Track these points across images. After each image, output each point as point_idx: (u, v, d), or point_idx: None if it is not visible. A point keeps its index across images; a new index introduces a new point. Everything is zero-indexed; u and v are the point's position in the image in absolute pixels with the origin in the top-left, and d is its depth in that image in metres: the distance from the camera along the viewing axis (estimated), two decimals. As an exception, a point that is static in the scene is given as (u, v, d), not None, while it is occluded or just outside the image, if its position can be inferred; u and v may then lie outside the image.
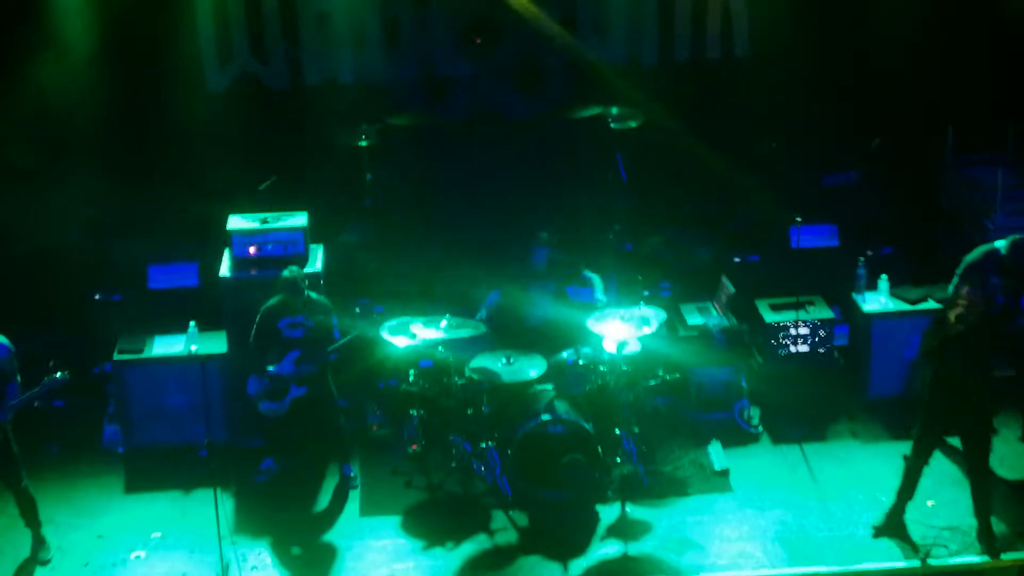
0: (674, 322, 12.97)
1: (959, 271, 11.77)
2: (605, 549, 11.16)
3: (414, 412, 12.10)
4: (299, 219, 12.56)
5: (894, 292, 12.98)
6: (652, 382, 12.09)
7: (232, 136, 13.76)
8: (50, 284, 13.33)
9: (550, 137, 14.23)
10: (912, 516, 11.26)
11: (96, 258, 13.58)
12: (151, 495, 11.98)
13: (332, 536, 11.44)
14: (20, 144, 13.19)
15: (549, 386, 11.88)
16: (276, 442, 12.03)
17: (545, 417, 11.49)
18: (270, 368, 11.61)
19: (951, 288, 11.81)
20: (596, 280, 12.72)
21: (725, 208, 14.25)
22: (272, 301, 11.68)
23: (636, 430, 11.94)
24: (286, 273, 11.60)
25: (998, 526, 11.15)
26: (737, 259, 14.05)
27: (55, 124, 13.40)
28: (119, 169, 13.56)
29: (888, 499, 11.38)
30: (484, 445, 11.74)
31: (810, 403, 12.68)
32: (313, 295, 11.73)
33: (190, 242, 13.45)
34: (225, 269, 12.46)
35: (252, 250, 12.38)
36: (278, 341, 11.62)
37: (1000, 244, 11.63)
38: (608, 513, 11.51)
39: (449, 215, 14.12)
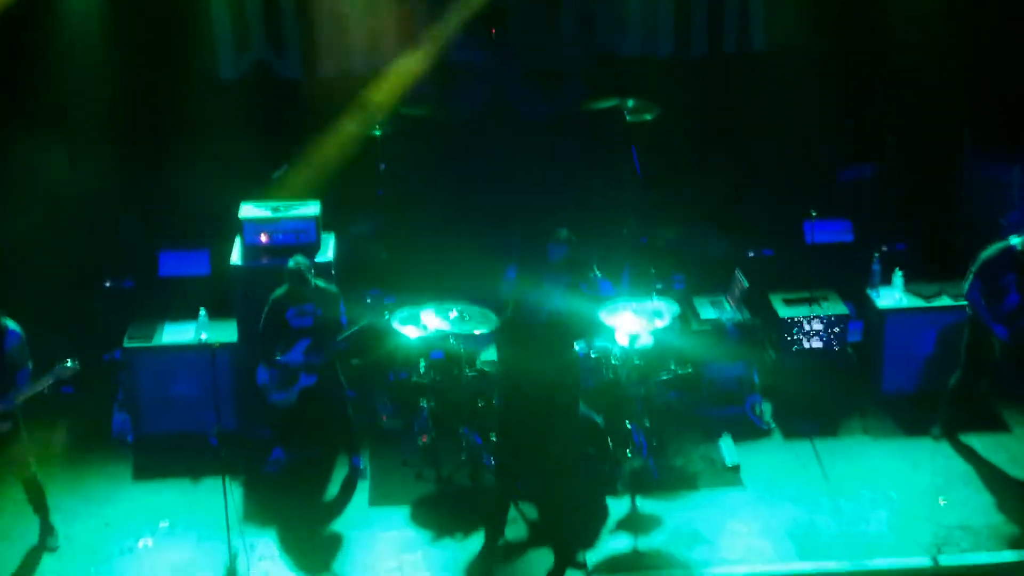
0: (687, 316, 12.91)
1: (974, 267, 11.74)
2: (615, 543, 11.10)
3: (424, 403, 12.05)
4: (311, 208, 12.53)
5: (909, 288, 12.90)
6: (664, 376, 12.03)
7: (245, 124, 13.72)
8: (61, 271, 13.29)
9: (565, 129, 14.15)
10: (924, 514, 11.23)
11: (107, 245, 13.55)
12: (159, 483, 11.95)
13: (341, 526, 11.41)
14: (31, 131, 13.17)
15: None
16: (285, 432, 12.02)
17: (556, 410, 11.44)
18: (279, 358, 11.58)
19: (966, 284, 11.77)
20: (604, 281, 12.69)
21: (740, 202, 14.16)
22: (279, 291, 11.65)
23: (647, 424, 11.88)
24: (291, 264, 11.53)
25: (1011, 527, 11.11)
26: (751, 253, 13.96)
27: (65, 111, 13.37)
28: (130, 156, 13.54)
29: (899, 495, 11.37)
30: (494, 437, 11.69)
31: (822, 399, 12.62)
32: (322, 283, 11.69)
33: (202, 230, 13.41)
34: (236, 257, 12.44)
35: (264, 238, 12.35)
36: (286, 331, 11.59)
37: (1016, 241, 11.60)
38: (618, 507, 11.46)
39: (462, 206, 14.06)
